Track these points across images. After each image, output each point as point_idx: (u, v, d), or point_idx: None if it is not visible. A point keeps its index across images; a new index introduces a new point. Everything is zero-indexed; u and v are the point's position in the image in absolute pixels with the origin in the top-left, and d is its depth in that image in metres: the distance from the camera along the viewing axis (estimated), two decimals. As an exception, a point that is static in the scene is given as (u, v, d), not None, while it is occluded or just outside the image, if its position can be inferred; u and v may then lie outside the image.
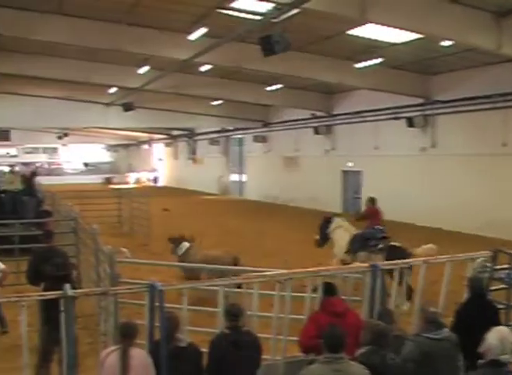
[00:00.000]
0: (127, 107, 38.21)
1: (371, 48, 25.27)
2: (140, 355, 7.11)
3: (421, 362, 7.32)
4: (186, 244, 16.74)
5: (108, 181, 72.73)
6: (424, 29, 20.15)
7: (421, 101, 30.00)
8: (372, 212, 18.34)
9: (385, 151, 32.84)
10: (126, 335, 7.16)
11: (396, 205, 30.79)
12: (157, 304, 7.55)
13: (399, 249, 16.24)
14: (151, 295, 7.59)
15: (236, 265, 14.74)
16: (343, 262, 16.92)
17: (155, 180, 72.49)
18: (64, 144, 77.84)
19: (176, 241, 17.05)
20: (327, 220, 18.48)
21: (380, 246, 16.97)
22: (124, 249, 17.21)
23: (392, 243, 16.75)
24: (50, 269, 9.74)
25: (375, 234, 17.47)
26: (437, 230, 27.50)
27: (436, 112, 29.46)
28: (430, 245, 16.38)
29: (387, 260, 14.80)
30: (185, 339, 7.59)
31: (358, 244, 17.53)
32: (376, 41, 23.92)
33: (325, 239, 18.37)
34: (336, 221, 18.19)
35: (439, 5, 19.16)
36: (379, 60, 26.22)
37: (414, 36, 22.12)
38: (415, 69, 28.90)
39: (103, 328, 10.34)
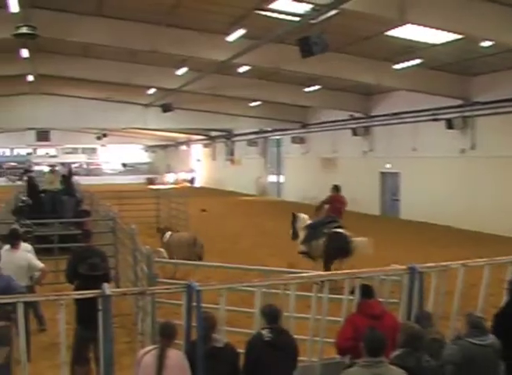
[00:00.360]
0: (166, 108, 38.40)
1: (410, 48, 25.10)
2: (176, 356, 7.13)
3: (461, 365, 7.27)
4: (169, 233, 19.34)
5: (150, 181, 73.00)
6: (463, 29, 19.97)
7: (460, 102, 29.64)
8: (334, 200, 19.56)
9: (424, 152, 32.57)
10: (165, 335, 7.18)
11: (434, 208, 30.69)
12: (194, 304, 7.57)
13: (340, 235, 17.56)
14: (189, 295, 7.60)
15: (195, 244, 18.31)
16: (302, 253, 18.84)
17: (192, 180, 72.66)
18: (103, 145, 78.48)
19: (163, 231, 19.89)
20: (294, 216, 19.52)
21: (324, 231, 17.94)
22: (161, 249, 17.35)
23: (336, 229, 17.82)
24: (85, 268, 9.83)
25: (323, 221, 18.58)
26: (476, 233, 27.20)
27: (476, 114, 29.07)
28: (361, 238, 17.86)
29: (327, 245, 17.52)
30: (222, 339, 7.59)
31: (309, 234, 18.55)
32: (415, 41, 23.76)
33: (296, 234, 19.20)
34: (301, 217, 19.22)
35: (478, 5, 18.98)
36: (418, 61, 26.04)
37: (453, 36, 21.92)
38: (454, 70, 28.62)
39: (140, 327, 10.41)
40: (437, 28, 20.28)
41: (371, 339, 6.88)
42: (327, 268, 16.95)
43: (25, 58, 29.07)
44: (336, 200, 19.60)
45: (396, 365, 6.85)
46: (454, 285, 9.26)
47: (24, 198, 24.70)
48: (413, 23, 19.90)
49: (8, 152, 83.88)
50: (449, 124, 29.84)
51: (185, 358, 7.20)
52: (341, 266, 17.27)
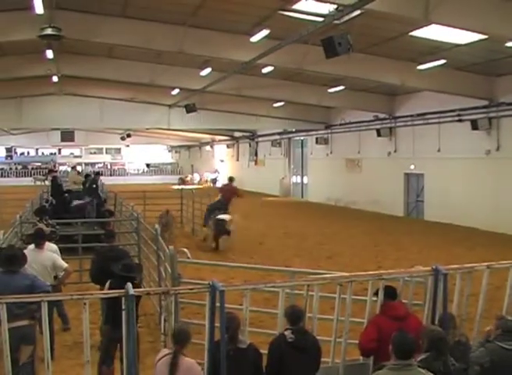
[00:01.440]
0: (190, 108, 38.50)
1: (435, 49, 24.96)
2: (188, 364, 7.13)
3: (488, 369, 7.21)
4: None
5: (183, 181, 72.89)
6: (488, 30, 19.81)
7: (485, 103, 29.44)
8: (227, 189, 25.70)
9: (448, 153, 32.37)
10: (178, 342, 7.20)
11: (459, 209, 30.49)
12: (217, 304, 7.57)
13: (221, 222, 23.35)
14: (212, 296, 7.60)
15: (167, 213, 25.28)
16: (206, 237, 24.78)
17: (215, 181, 72.56)
18: (127, 145, 78.78)
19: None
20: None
21: (211, 216, 23.91)
22: (185, 249, 17.38)
23: (220, 216, 23.48)
24: (120, 268, 9.84)
25: (216, 205, 24.66)
26: (501, 235, 27.01)
27: (501, 115, 28.83)
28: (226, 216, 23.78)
29: (213, 228, 23.73)
30: (245, 340, 7.59)
31: (206, 216, 24.82)
32: (439, 42, 23.63)
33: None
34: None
35: (503, 5, 18.80)
36: (442, 61, 25.88)
37: (477, 37, 21.74)
38: (479, 70, 28.41)
39: (163, 327, 10.42)
40: (462, 28, 20.14)
41: (401, 341, 6.83)
42: (216, 243, 23.75)
43: (50, 59, 29.30)
44: (227, 189, 25.72)
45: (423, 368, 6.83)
46: (479, 287, 9.19)
47: (48, 198, 24.86)
48: (437, 24, 19.79)
49: (33, 152, 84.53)
50: (474, 125, 29.61)
51: (197, 366, 7.22)
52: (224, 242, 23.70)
